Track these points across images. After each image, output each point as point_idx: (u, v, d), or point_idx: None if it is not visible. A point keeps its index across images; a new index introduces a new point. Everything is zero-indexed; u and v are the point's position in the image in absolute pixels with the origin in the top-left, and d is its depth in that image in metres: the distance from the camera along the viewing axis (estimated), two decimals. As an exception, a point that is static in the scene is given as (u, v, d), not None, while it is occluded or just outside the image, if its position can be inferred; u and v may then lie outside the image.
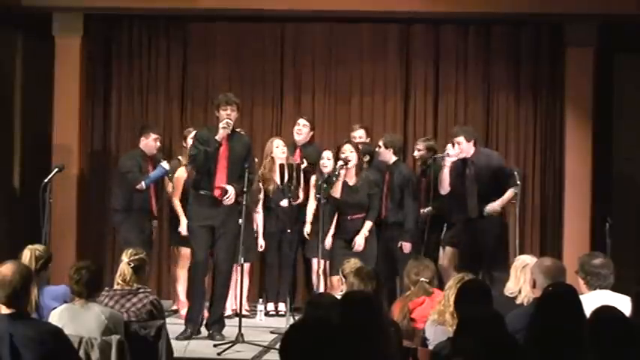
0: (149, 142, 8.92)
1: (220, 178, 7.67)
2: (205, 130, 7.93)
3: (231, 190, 7.64)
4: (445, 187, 8.37)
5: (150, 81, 10.01)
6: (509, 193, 8.21)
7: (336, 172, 8.14)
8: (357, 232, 8.15)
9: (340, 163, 8.14)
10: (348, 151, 8.21)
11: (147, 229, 8.90)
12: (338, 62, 9.94)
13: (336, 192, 8.15)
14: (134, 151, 9.07)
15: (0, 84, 9.50)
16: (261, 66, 9.96)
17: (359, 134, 8.96)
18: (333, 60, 9.95)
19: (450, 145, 8.31)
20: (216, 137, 7.65)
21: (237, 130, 8.03)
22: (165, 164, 8.81)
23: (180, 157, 8.95)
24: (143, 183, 8.74)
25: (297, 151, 9.04)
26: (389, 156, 8.59)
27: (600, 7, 8.97)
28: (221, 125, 7.64)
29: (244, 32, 9.96)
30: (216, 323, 7.67)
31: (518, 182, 8.27)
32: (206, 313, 8.31)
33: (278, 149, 8.81)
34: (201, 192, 7.70)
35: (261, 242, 8.80)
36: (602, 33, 9.25)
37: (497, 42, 9.81)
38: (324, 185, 8.03)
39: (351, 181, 8.23)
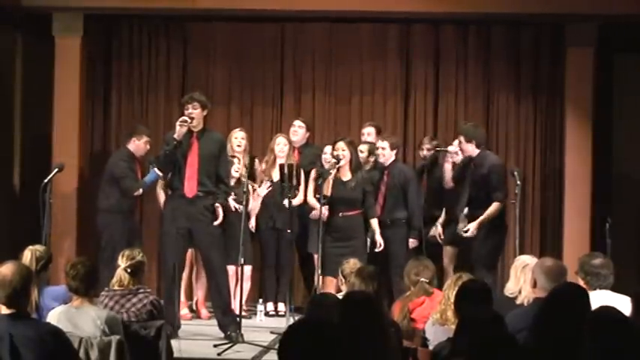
0: (140, 144, 8.85)
1: (191, 177, 7.66)
2: (172, 132, 7.89)
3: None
4: (447, 182, 8.49)
5: (150, 81, 10.01)
6: (493, 207, 7.90)
7: (328, 170, 8.18)
8: (349, 229, 8.15)
9: (333, 160, 8.19)
10: (340, 149, 8.26)
11: (135, 231, 8.84)
12: (338, 62, 9.94)
13: (327, 189, 8.16)
14: (121, 151, 8.98)
15: (0, 84, 9.49)
16: (261, 66, 9.96)
17: (367, 131, 8.97)
18: (333, 60, 9.95)
19: (456, 141, 8.37)
20: (174, 136, 7.63)
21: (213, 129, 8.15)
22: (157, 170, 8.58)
23: None
24: (141, 190, 8.73)
25: (295, 152, 9.03)
26: (389, 155, 8.60)
27: (600, 7, 8.96)
28: (177, 123, 7.63)
29: (244, 32, 9.95)
30: (233, 324, 7.60)
31: (519, 182, 8.25)
32: (205, 313, 8.60)
33: (278, 147, 8.82)
34: (175, 191, 7.70)
35: (252, 224, 8.72)
36: (602, 33, 9.24)
37: (497, 42, 9.81)
38: (319, 181, 8.11)
39: (345, 177, 8.26)
